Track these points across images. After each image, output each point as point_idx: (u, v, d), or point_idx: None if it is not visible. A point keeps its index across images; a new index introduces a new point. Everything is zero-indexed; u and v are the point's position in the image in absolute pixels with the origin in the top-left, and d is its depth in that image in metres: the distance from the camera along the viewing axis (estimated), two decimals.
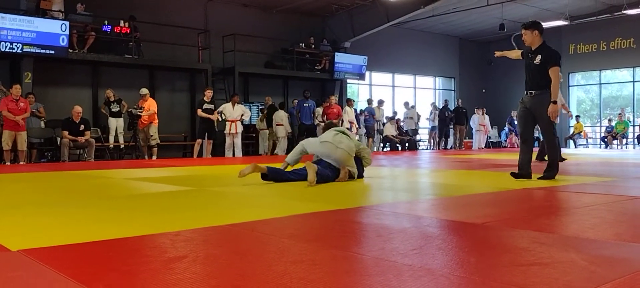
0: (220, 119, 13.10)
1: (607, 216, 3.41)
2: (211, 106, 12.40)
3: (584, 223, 3.17)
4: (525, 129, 5.73)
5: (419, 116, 18.72)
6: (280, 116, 15.01)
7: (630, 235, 2.76)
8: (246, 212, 3.67)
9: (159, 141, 12.39)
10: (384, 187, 5.33)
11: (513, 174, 5.75)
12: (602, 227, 3.06)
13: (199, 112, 12.29)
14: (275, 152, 14.80)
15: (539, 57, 5.55)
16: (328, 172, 5.48)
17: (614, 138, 19.02)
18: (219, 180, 6.42)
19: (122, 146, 12.70)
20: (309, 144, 5.89)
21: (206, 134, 12.44)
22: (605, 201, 4.16)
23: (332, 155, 5.58)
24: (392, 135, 17.21)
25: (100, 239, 2.63)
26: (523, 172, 5.67)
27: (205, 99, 12.40)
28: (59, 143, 11.34)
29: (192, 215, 3.52)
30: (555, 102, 5.40)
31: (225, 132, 12.94)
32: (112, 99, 12.59)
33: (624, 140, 19.16)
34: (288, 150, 15.19)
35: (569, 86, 21.06)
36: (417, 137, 18.83)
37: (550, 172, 5.63)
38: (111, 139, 12.71)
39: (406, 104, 18.56)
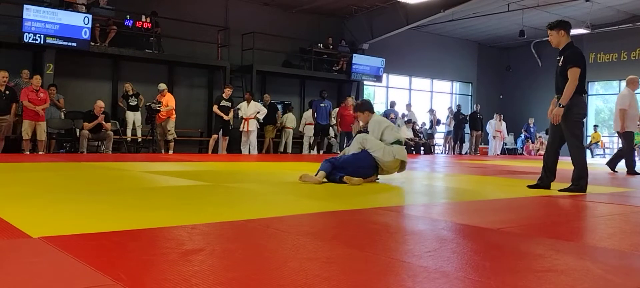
0: (233, 118, 13.21)
1: (624, 226, 3.38)
2: (228, 104, 12.47)
3: (600, 233, 3.15)
4: (552, 136, 5.40)
5: (438, 120, 18.65)
6: (290, 119, 15.16)
7: None
8: (261, 208, 3.70)
9: (175, 136, 12.49)
10: (399, 190, 5.33)
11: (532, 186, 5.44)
12: (619, 236, 3.04)
13: (215, 108, 12.39)
14: (281, 150, 14.96)
15: (562, 58, 5.20)
16: (365, 171, 5.60)
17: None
18: (233, 176, 6.47)
19: (139, 140, 12.83)
20: (367, 140, 5.85)
21: (221, 130, 12.53)
22: (622, 211, 4.13)
23: (384, 160, 5.65)
24: (408, 139, 17.17)
25: (118, 229, 2.68)
26: (543, 181, 5.37)
27: (223, 95, 12.49)
28: (77, 134, 11.49)
29: (208, 210, 3.55)
30: (562, 106, 5.03)
31: (240, 129, 13.02)
32: (130, 92, 12.73)
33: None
34: (293, 150, 15.24)
35: (588, 95, 20.86)
36: (433, 141, 18.77)
37: (577, 184, 5.17)
38: (129, 132, 12.85)
39: (408, 106, 18.35)
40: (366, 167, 5.68)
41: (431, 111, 18.80)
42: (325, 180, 5.50)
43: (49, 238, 2.39)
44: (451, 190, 5.77)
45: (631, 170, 8.67)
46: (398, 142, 5.80)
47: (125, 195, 4.22)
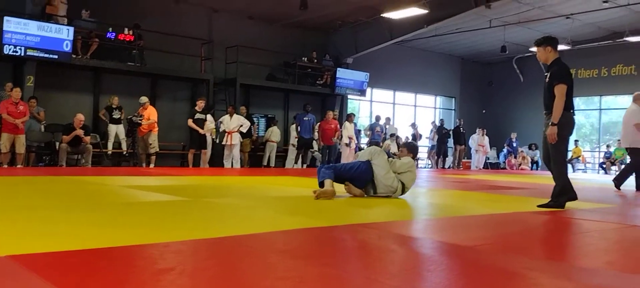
0: (216, 132, 13.14)
1: (601, 244, 3.40)
2: (203, 116, 12.36)
3: (577, 250, 3.17)
4: (545, 152, 5.34)
5: (420, 135, 18.72)
6: (274, 132, 15.15)
7: (621, 265, 2.75)
8: (238, 225, 3.66)
9: (157, 149, 12.38)
10: (379, 205, 5.31)
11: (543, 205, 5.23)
12: (595, 254, 3.05)
13: (190, 122, 12.23)
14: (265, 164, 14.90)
15: (549, 75, 5.15)
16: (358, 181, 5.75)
17: (613, 164, 19.02)
18: (214, 191, 6.41)
19: (125, 152, 12.70)
20: (377, 155, 5.93)
21: (198, 144, 12.37)
22: (600, 228, 4.15)
23: (383, 180, 5.76)
24: (393, 152, 17.18)
25: (90, 247, 2.62)
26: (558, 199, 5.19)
27: (197, 108, 12.36)
28: (57, 147, 11.35)
29: (183, 227, 3.50)
30: (554, 124, 4.99)
31: (223, 143, 12.95)
32: (115, 105, 12.61)
33: (623, 167, 19.12)
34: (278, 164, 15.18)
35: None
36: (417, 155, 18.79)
37: (556, 200, 5.13)
38: (110, 145, 12.71)
39: (387, 120, 18.16)
40: (362, 178, 5.76)
41: (413, 125, 18.87)
42: (334, 188, 5.53)
43: (17, 257, 2.33)
44: (432, 206, 5.77)
45: None
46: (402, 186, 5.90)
47: (101, 211, 4.15)
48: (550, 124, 5.06)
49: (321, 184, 5.50)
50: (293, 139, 15.24)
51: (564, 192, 5.17)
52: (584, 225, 4.34)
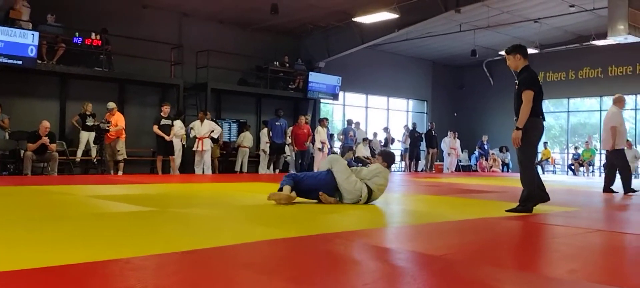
0: (187, 137, 12.98)
1: (565, 250, 3.42)
2: (168, 122, 12.18)
3: (541, 258, 3.18)
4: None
5: (393, 139, 18.81)
6: (247, 138, 15.06)
7: (583, 273, 2.77)
8: (203, 237, 3.58)
9: (125, 156, 12.16)
10: (348, 212, 5.27)
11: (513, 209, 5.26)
12: (559, 262, 3.06)
13: (155, 128, 12.04)
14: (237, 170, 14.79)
15: (518, 82, 5.29)
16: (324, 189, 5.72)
17: (581, 165, 19.38)
18: (183, 200, 6.31)
19: (94, 160, 12.44)
20: (336, 162, 5.96)
21: (165, 151, 12.19)
22: (565, 233, 4.19)
23: (345, 185, 5.73)
24: (365, 157, 17.21)
25: (47, 265, 2.53)
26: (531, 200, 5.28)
27: (162, 114, 12.18)
28: (21, 155, 11.06)
29: (146, 241, 3.41)
30: (518, 128, 5.11)
31: (194, 149, 12.79)
32: (89, 112, 12.34)
33: (590, 168, 19.52)
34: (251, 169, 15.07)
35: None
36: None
37: (524, 205, 5.19)
38: (79, 152, 12.45)
39: (357, 124, 18.18)
40: (325, 187, 5.74)
41: (386, 129, 18.95)
42: (293, 194, 5.57)
43: None
44: (404, 213, 5.77)
45: (628, 188, 8.43)
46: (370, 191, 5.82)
47: (62, 225, 4.02)
48: (515, 128, 5.15)
49: (280, 190, 5.59)
50: (263, 144, 15.14)
51: (530, 198, 5.25)
52: (551, 231, 4.37)
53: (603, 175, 9.95)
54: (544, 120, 5.38)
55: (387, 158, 6.18)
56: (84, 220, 4.35)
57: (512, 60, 5.37)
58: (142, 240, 3.42)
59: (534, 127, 5.22)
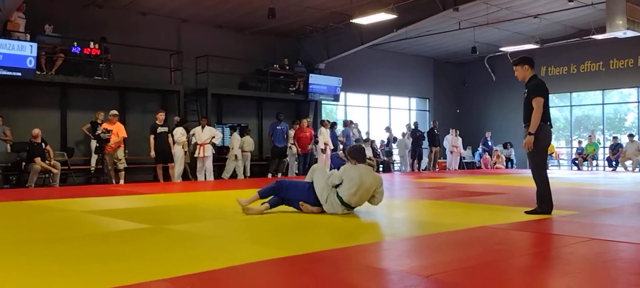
0: (188, 144, 12.97)
1: (558, 265, 3.38)
2: (165, 129, 12.17)
3: (530, 275, 3.14)
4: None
5: (395, 138, 18.76)
6: (248, 142, 14.96)
7: None
8: (194, 260, 3.53)
9: (126, 165, 12.17)
10: (347, 224, 5.24)
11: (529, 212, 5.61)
12: (548, 280, 3.02)
13: (151, 139, 12.05)
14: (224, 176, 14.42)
15: (527, 90, 5.61)
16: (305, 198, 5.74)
17: (585, 159, 19.29)
18: (179, 214, 6.29)
19: (92, 169, 12.47)
20: (314, 172, 5.91)
21: (163, 158, 12.18)
22: (561, 244, 4.15)
23: (320, 196, 5.68)
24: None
25: None
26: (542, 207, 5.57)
27: (157, 122, 12.17)
28: (22, 167, 11.10)
29: (128, 266, 3.35)
30: (531, 134, 5.42)
31: (195, 155, 12.79)
32: (100, 120, 12.33)
33: (594, 162, 19.43)
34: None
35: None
36: (392, 159, 18.85)
37: (541, 207, 5.54)
38: (93, 161, 12.53)
39: (345, 122, 18.04)
40: (308, 197, 5.73)
41: (388, 129, 18.89)
42: (265, 205, 5.73)
43: None
44: (402, 221, 5.73)
45: None
46: (346, 203, 5.62)
47: (49, 248, 3.98)
48: (527, 133, 5.50)
49: (262, 194, 5.80)
50: (236, 149, 14.34)
51: (545, 199, 5.55)
52: (547, 241, 4.33)
53: (607, 169, 9.86)
54: (552, 126, 5.71)
55: (355, 155, 5.74)
56: (72, 242, 4.27)
57: (520, 70, 5.73)
58: (128, 266, 3.36)
59: (544, 131, 5.55)
